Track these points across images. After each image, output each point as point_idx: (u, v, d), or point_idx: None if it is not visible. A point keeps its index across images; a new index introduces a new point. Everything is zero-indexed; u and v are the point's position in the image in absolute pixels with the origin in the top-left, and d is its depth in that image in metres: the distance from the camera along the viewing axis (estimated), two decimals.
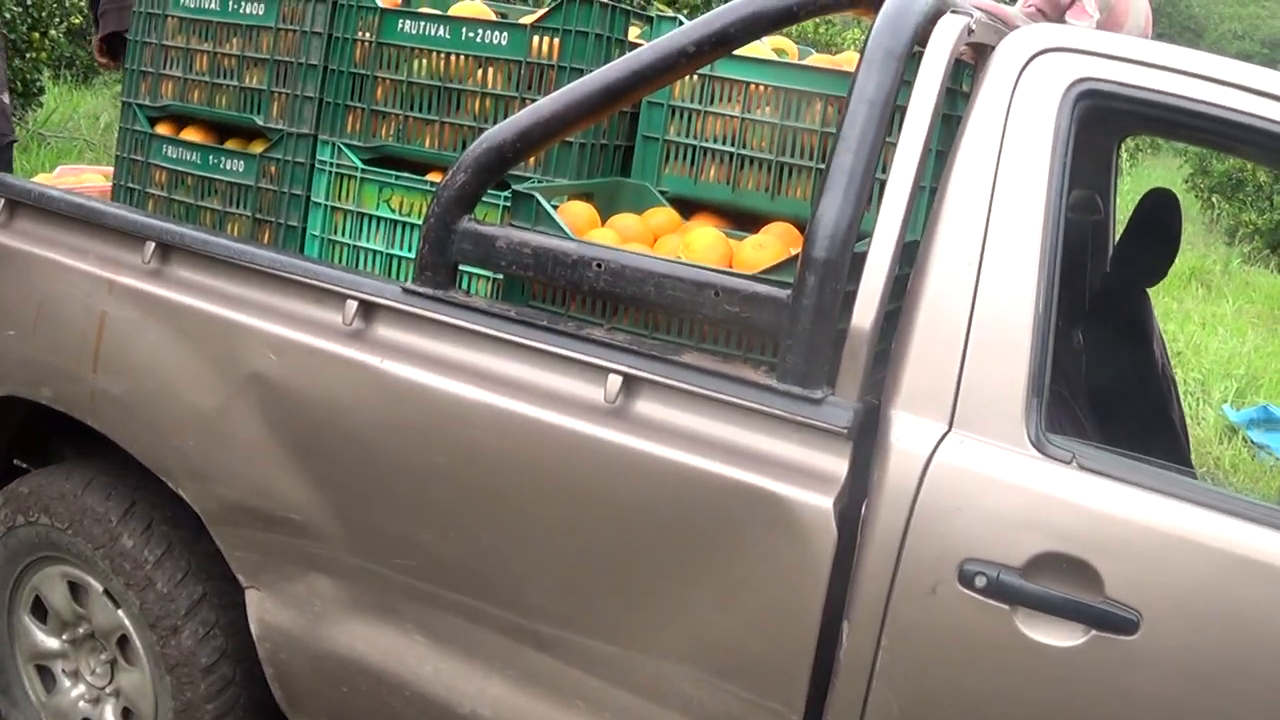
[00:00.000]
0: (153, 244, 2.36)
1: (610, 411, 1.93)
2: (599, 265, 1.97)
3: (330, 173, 2.57)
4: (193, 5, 2.80)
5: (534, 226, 2.11)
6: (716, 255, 2.10)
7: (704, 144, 2.50)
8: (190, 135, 2.85)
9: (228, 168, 2.72)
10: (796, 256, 1.90)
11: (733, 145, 2.48)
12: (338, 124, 2.60)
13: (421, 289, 2.07)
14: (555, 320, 2.01)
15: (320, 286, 2.16)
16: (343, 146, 2.58)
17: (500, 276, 2.22)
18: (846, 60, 2.59)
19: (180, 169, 2.78)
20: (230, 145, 2.81)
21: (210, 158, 2.74)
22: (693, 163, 2.52)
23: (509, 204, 2.24)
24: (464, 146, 2.46)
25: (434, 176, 2.53)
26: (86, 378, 2.44)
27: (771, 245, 2.15)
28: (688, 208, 2.55)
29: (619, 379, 1.91)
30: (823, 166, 2.36)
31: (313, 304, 2.18)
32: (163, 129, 2.89)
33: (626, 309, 2.03)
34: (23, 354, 2.56)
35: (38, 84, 9.44)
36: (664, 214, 2.48)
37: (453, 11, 2.61)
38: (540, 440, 1.96)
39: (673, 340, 2.02)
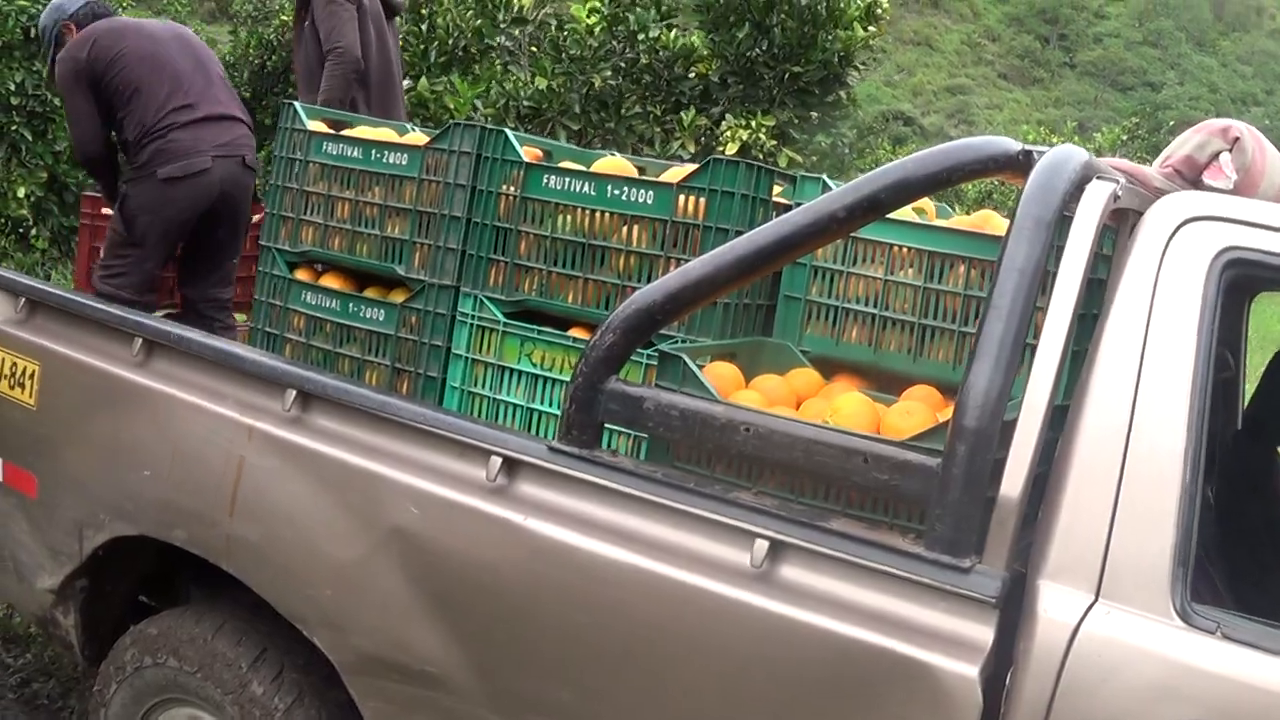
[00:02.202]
0: (294, 392, 2.68)
1: (756, 576, 2.15)
2: (747, 429, 2.23)
3: (472, 325, 2.91)
4: (335, 153, 3.21)
5: (680, 388, 2.38)
6: (864, 421, 2.37)
7: (846, 305, 2.78)
8: (330, 282, 3.24)
9: (368, 316, 3.08)
10: (944, 423, 2.13)
11: (875, 306, 2.75)
12: (480, 276, 2.95)
13: (568, 448, 2.35)
14: (702, 483, 2.27)
15: (464, 442, 2.44)
16: (485, 299, 2.92)
17: (643, 435, 2.50)
18: (983, 220, 2.88)
19: (319, 315, 3.15)
20: (370, 293, 3.18)
21: (350, 305, 3.11)
22: (834, 323, 2.79)
23: (654, 362, 2.54)
24: (608, 303, 2.79)
25: (576, 332, 2.85)
26: (222, 522, 2.75)
27: (918, 411, 2.42)
28: (829, 367, 2.80)
29: (765, 544, 2.14)
30: (966, 330, 2.66)
31: (456, 459, 2.45)
32: (302, 275, 3.28)
33: (773, 473, 2.29)
34: (157, 495, 2.89)
35: None
36: (806, 375, 2.74)
37: (596, 168, 2.97)
38: (685, 603, 2.19)
39: (819, 505, 2.26)
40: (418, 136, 3.28)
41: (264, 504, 2.68)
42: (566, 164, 2.97)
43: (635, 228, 2.79)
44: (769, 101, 7.25)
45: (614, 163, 3.04)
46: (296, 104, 3.31)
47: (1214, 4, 68.41)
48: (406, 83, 6.80)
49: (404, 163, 3.06)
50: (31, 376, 3.14)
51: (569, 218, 2.85)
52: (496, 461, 2.38)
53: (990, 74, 59.35)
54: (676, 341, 2.65)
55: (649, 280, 2.78)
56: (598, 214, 2.81)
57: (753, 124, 6.90)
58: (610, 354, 2.33)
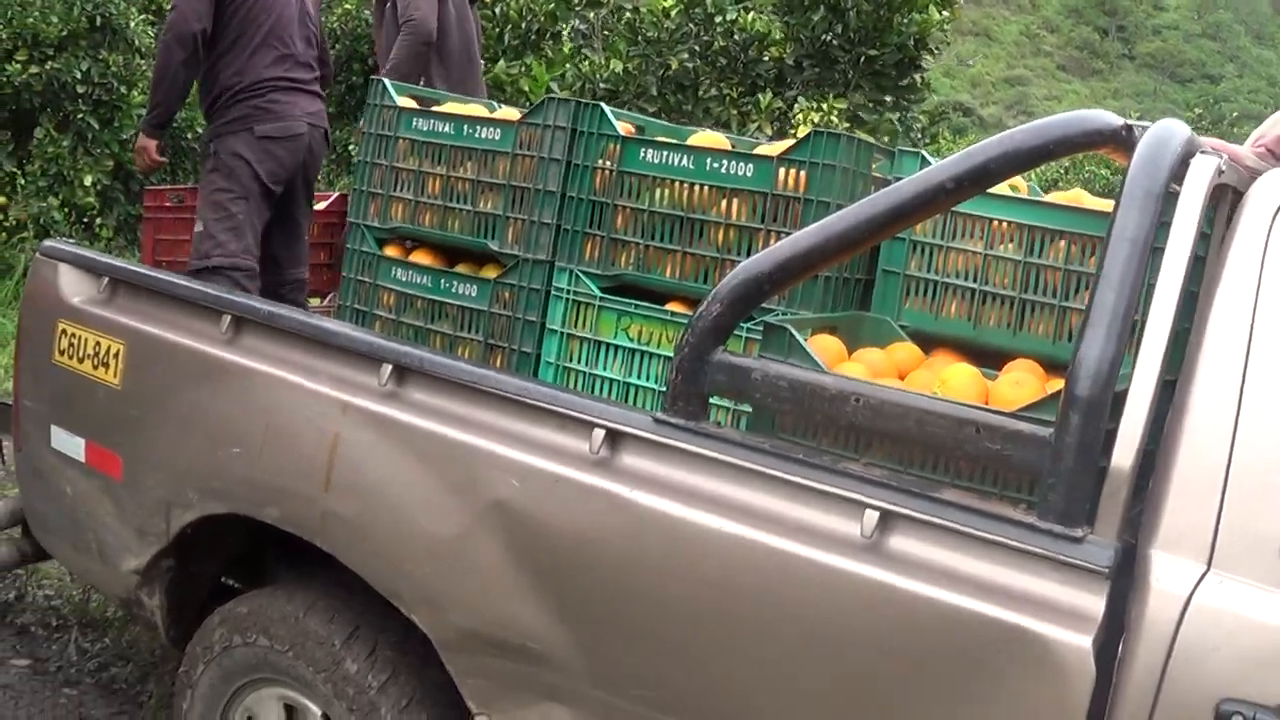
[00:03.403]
0: (389, 366, 2.73)
1: (866, 546, 2.19)
2: (857, 399, 2.27)
3: (567, 300, 2.97)
4: (426, 129, 3.30)
5: (786, 359, 2.44)
6: (973, 392, 2.43)
7: (946, 279, 2.82)
8: (420, 258, 3.32)
9: (460, 292, 3.16)
10: (1054, 394, 2.17)
11: (975, 281, 2.78)
12: (576, 251, 3.02)
13: (673, 419, 2.40)
14: (810, 454, 2.32)
15: (567, 414, 2.48)
16: (581, 274, 2.98)
17: (740, 407, 2.57)
18: (1076, 198, 2.92)
19: (410, 292, 3.24)
20: (461, 269, 3.26)
21: (442, 281, 3.19)
22: (933, 298, 2.83)
23: (755, 335, 2.60)
24: (706, 277, 2.84)
25: (674, 306, 2.89)
26: (317, 499, 2.80)
27: (1028, 382, 2.48)
28: (927, 342, 2.83)
29: (876, 514, 2.18)
30: (1067, 305, 2.70)
31: (558, 431, 2.50)
32: (391, 251, 3.37)
33: (882, 444, 2.35)
34: (248, 473, 2.95)
35: None
36: (906, 349, 2.78)
37: (692, 142, 3.05)
38: (793, 574, 2.23)
39: (927, 476, 2.31)
40: (509, 112, 3.37)
41: (360, 480, 2.72)
42: (667, 139, 3.04)
43: (734, 201, 2.84)
44: (843, 85, 7.31)
45: (710, 137, 3.10)
46: (385, 80, 3.40)
47: None
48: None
49: (497, 138, 3.14)
50: (116, 356, 3.20)
51: (666, 191, 2.91)
52: (599, 434, 2.42)
53: (1049, 65, 59.74)
54: (777, 314, 2.72)
55: (748, 254, 2.81)
56: (696, 187, 2.88)
57: (824, 106, 6.95)
58: (717, 324, 2.36)
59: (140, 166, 4.76)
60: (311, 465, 2.76)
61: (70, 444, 3.22)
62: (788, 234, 2.71)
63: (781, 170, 2.77)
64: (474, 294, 3.12)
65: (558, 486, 2.45)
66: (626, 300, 2.91)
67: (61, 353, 3.35)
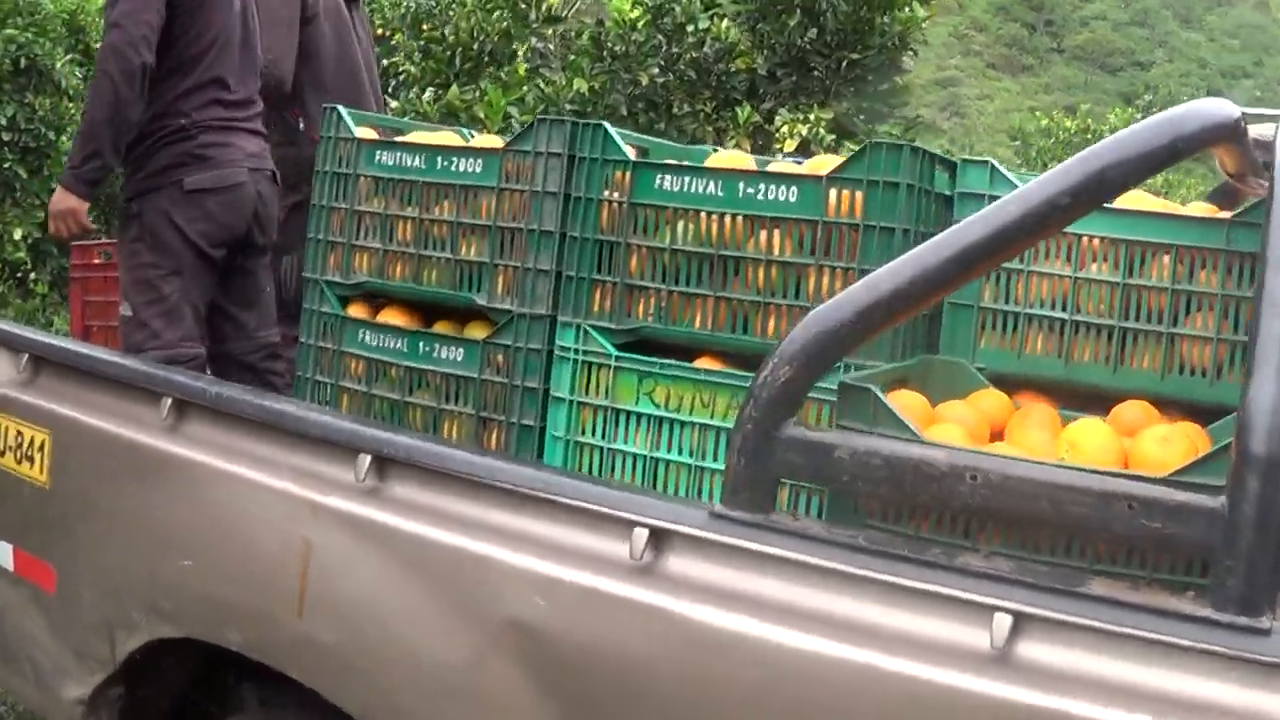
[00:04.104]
0: (367, 457, 2.32)
1: (997, 659, 1.81)
2: (974, 476, 1.88)
3: (575, 361, 2.59)
4: (392, 163, 2.87)
5: (872, 428, 2.05)
6: (1112, 455, 2.02)
7: (1028, 310, 2.48)
8: (391, 318, 2.90)
9: (443, 356, 2.75)
10: (1215, 453, 1.85)
11: (1064, 310, 2.45)
12: (582, 302, 2.62)
13: (736, 513, 2.00)
14: (917, 547, 1.92)
15: (597, 511, 2.09)
16: (590, 329, 2.59)
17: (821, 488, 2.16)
18: (1167, 207, 2.56)
19: (383, 359, 2.83)
20: (440, 329, 2.84)
21: (421, 345, 2.78)
22: (1014, 332, 2.50)
23: (828, 399, 2.19)
24: (744, 325, 2.47)
25: (705, 362, 2.52)
26: (288, 622, 2.40)
27: (1176, 438, 2.07)
28: (1007, 386, 2.50)
29: (1008, 618, 1.80)
30: (1176, 331, 2.35)
31: (587, 532, 2.10)
32: (356, 310, 2.94)
33: (1006, 528, 1.94)
34: (202, 589, 2.56)
35: None
36: (993, 398, 2.43)
37: (714, 164, 2.62)
38: (906, 700, 1.85)
39: (1061, 563, 1.94)
40: (490, 140, 2.93)
41: (341, 598, 2.35)
42: (687, 163, 2.62)
43: (775, 233, 2.45)
44: (822, 93, 6.94)
45: (733, 157, 2.69)
46: (340, 108, 2.95)
47: None
48: (430, 93, 6.49)
49: (478, 170, 2.73)
50: (42, 449, 2.87)
51: (690, 225, 2.51)
52: (642, 534, 2.03)
53: (979, 64, 61.65)
54: (838, 369, 2.29)
55: (796, 295, 2.47)
56: (727, 218, 2.48)
57: (811, 117, 6.57)
58: (788, 391, 1.99)
59: (63, 233, 3.76)
60: (279, 580, 2.39)
61: None
62: (844, 269, 2.42)
63: (833, 192, 2.38)
64: (460, 358, 2.73)
65: (591, 601, 2.07)
66: (648, 358, 2.53)
67: None
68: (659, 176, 2.54)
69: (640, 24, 6.43)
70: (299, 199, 4.07)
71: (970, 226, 2.01)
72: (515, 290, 2.68)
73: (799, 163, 2.75)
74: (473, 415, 2.72)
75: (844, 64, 6.98)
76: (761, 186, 2.45)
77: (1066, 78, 59.85)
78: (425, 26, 6.67)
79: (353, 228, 2.92)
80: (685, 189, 2.51)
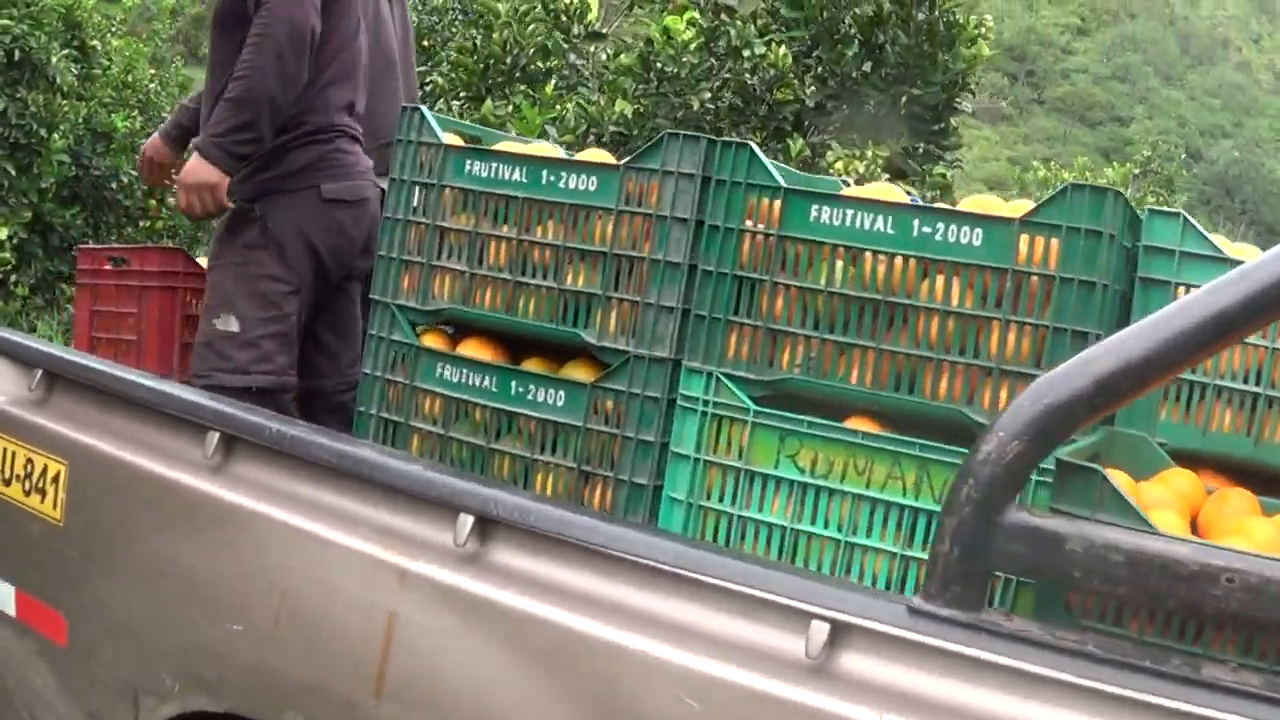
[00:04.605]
0: (470, 518, 2.03)
1: None
2: (1230, 579, 1.62)
3: (704, 414, 2.31)
4: (485, 175, 2.60)
5: (1094, 514, 1.81)
6: None
7: (1217, 381, 2.27)
8: (474, 350, 2.64)
9: (541, 399, 2.48)
10: None
11: (1256, 383, 2.25)
12: (715, 346, 2.35)
13: (944, 610, 1.72)
14: (1157, 657, 1.67)
15: (767, 599, 1.80)
16: (724, 378, 2.32)
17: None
18: None
19: (466, 398, 2.55)
20: (530, 366, 2.59)
21: (514, 384, 2.51)
22: (1199, 406, 2.29)
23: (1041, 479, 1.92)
24: (910, 384, 2.23)
25: (858, 423, 2.27)
26: (363, 705, 2.10)
27: None
28: (1188, 464, 2.30)
29: None
30: None
31: (752, 622, 1.83)
32: (432, 340, 2.67)
33: (1263, 638, 1.74)
34: (255, 659, 2.26)
35: None
36: (1184, 480, 2.23)
37: (867, 194, 2.35)
38: None
39: None
40: (599, 154, 2.64)
41: (430, 682, 2.06)
42: (852, 194, 2.35)
43: (953, 279, 2.16)
44: (873, 128, 6.69)
45: (882, 189, 2.41)
46: (424, 109, 2.66)
47: (1180, 38, 74.70)
48: (455, 106, 6.21)
49: (592, 188, 2.46)
50: (56, 481, 2.57)
51: (851, 265, 2.22)
52: (821, 629, 1.77)
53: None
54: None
55: (975, 353, 2.22)
56: (898, 260, 2.19)
57: (868, 154, 6.31)
58: (1013, 472, 1.72)
59: (195, 209, 3.25)
60: (355, 656, 2.11)
61: None
62: (1034, 326, 2.17)
63: (1024, 238, 2.08)
64: (561, 402, 2.46)
65: (755, 705, 1.80)
66: (792, 415, 2.25)
67: None
68: (815, 208, 2.27)
69: (692, 45, 6.16)
70: None
71: (1226, 288, 1.75)
72: (632, 328, 2.39)
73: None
74: (572, 468, 2.45)
75: (903, 100, 6.73)
76: (940, 226, 2.19)
77: (1045, 129, 61.02)
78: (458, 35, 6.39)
79: (434, 246, 2.64)
80: (848, 224, 2.25)
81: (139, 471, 2.41)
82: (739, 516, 2.27)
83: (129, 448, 2.45)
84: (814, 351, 2.28)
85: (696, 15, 6.26)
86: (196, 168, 3.18)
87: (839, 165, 6.34)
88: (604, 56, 6.91)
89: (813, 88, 6.63)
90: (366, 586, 2.09)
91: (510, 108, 6.09)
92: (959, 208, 2.34)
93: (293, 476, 2.25)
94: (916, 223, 2.20)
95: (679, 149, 2.38)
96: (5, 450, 2.67)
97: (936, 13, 6.66)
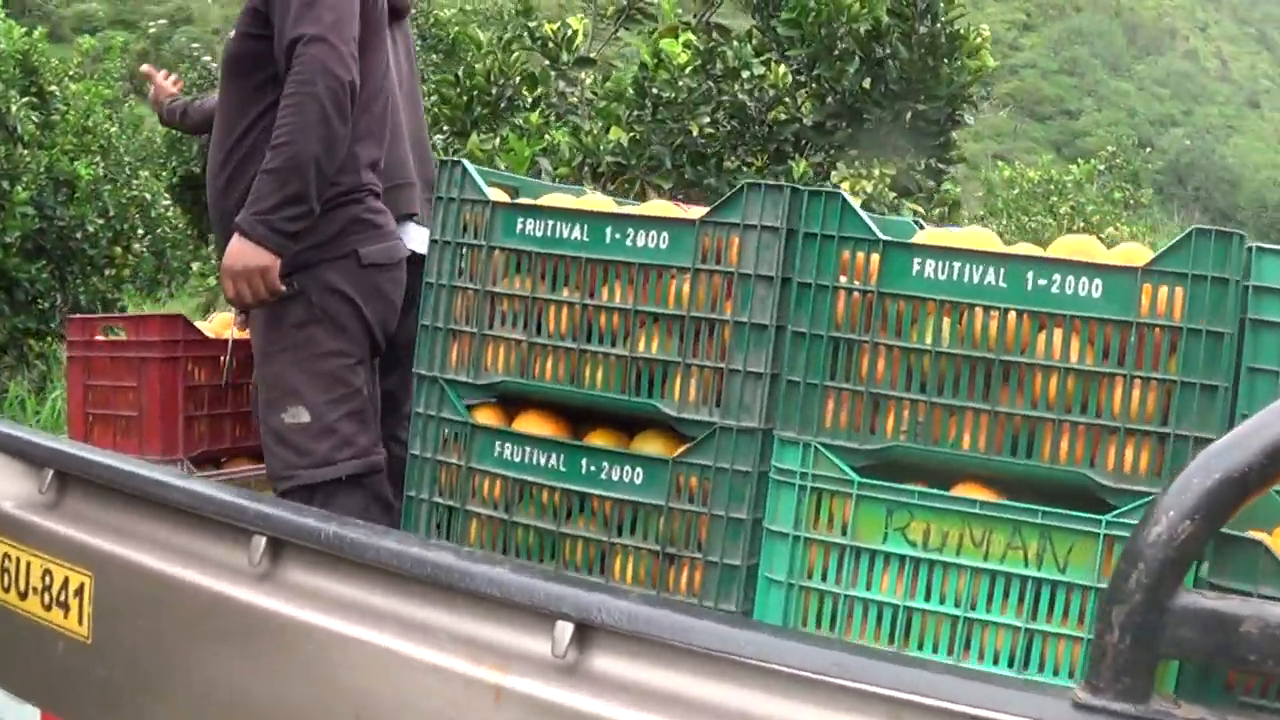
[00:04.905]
0: (569, 625, 1.86)
1: None
2: None
3: (803, 488, 2.18)
4: (539, 234, 2.45)
5: (1255, 588, 1.76)
6: None
7: None
8: (533, 425, 2.49)
9: (615, 478, 2.34)
10: None
11: None
12: (811, 414, 2.21)
13: (1114, 704, 1.58)
14: None
15: (925, 704, 1.66)
16: (823, 448, 2.18)
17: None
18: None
19: (531, 479, 2.40)
20: (596, 441, 2.45)
21: (584, 462, 2.37)
22: None
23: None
24: (1028, 448, 2.10)
25: (970, 490, 2.15)
26: None
27: None
28: None
29: None
30: None
31: None
32: (487, 416, 2.53)
33: None
34: None
35: (119, 304, 9.93)
36: None
37: (963, 242, 2.20)
38: None
39: None
40: (664, 207, 2.48)
41: None
42: (956, 244, 2.21)
43: (1071, 334, 2.03)
44: (875, 146, 6.56)
45: (975, 236, 2.27)
46: (465, 162, 2.51)
47: (1127, 29, 75.63)
48: (440, 139, 6.04)
49: (664, 245, 2.32)
50: (80, 593, 2.39)
51: (959, 321, 2.09)
52: None
53: None
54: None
55: (1096, 412, 2.09)
56: (1010, 315, 2.04)
57: (876, 173, 6.18)
58: (1185, 553, 1.58)
59: (246, 298, 2.96)
60: None
61: (16, 712, 2.53)
62: (1160, 382, 2.06)
63: (1147, 288, 1.93)
64: (639, 480, 2.32)
65: None
66: (903, 487, 2.13)
67: None
68: (917, 261, 2.13)
69: (688, 69, 6.01)
70: None
71: None
72: (715, 397, 2.25)
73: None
74: (655, 551, 2.31)
75: (908, 115, 6.59)
76: (1056, 278, 2.07)
77: (995, 125, 61.59)
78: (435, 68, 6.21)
79: (485, 314, 2.48)
80: (954, 278, 2.12)
81: (175, 582, 2.24)
82: (845, 596, 2.14)
83: (161, 555, 2.29)
84: (921, 416, 2.13)
85: (692, 37, 6.12)
86: (243, 252, 2.89)
87: (845, 185, 6.21)
88: (591, 83, 6.75)
89: (806, 105, 6.49)
90: (455, 705, 1.93)
91: (497, 140, 5.93)
92: (1064, 255, 2.20)
93: (355, 582, 2.09)
94: (1030, 275, 2.07)
95: (760, 200, 2.25)
96: (19, 560, 2.50)
97: (939, 24, 6.54)
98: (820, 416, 2.19)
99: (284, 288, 2.93)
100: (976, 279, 2.09)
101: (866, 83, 6.53)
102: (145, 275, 10.55)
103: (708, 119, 5.99)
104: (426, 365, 2.55)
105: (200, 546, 2.26)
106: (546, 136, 5.87)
